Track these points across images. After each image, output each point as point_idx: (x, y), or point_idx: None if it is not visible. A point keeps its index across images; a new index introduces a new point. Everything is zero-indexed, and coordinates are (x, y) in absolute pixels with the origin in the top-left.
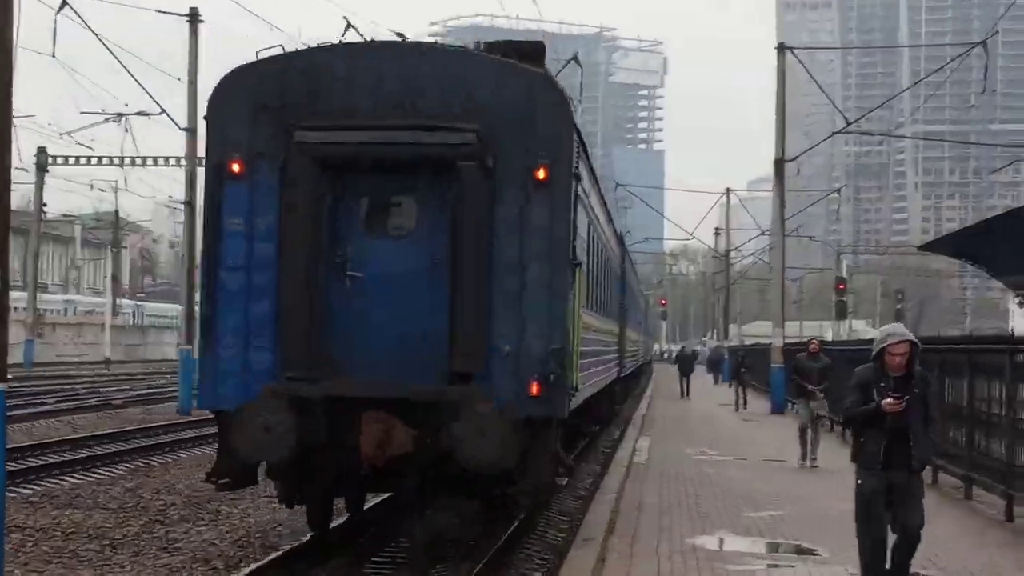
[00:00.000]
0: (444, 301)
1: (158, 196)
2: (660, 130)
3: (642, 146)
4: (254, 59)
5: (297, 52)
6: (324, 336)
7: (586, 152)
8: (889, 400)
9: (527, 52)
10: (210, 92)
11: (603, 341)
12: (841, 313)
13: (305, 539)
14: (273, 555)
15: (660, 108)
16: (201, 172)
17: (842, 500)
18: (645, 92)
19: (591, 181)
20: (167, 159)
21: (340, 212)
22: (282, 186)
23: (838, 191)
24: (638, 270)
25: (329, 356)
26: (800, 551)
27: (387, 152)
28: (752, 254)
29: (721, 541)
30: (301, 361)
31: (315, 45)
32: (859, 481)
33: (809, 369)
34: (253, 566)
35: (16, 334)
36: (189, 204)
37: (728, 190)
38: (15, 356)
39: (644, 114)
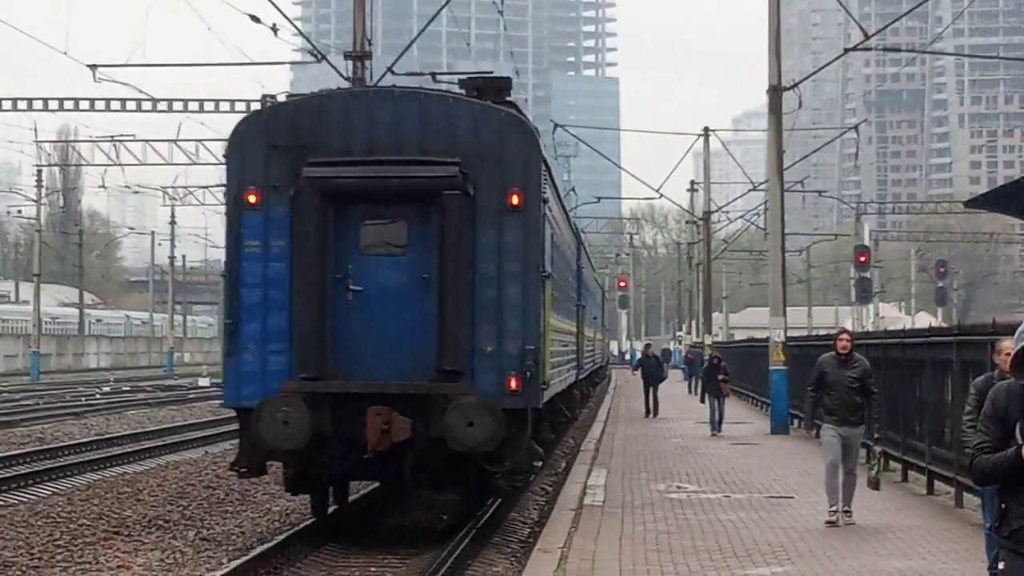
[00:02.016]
0: (433, 309)
1: None
2: (613, 50)
3: (589, 72)
4: (267, 105)
5: (303, 98)
6: (331, 341)
7: (551, 174)
8: None
9: (496, 85)
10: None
11: (564, 341)
12: (864, 294)
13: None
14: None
15: (613, 20)
16: None
17: (869, 554)
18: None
19: (555, 198)
20: None
21: (342, 235)
22: (292, 214)
23: (855, 129)
24: (590, 239)
25: (336, 358)
26: None
27: (382, 184)
28: (741, 216)
29: None
30: (312, 363)
31: (319, 92)
32: (1002, 568)
33: (838, 380)
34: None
35: None
36: None
37: (706, 130)
38: None
39: (591, 28)
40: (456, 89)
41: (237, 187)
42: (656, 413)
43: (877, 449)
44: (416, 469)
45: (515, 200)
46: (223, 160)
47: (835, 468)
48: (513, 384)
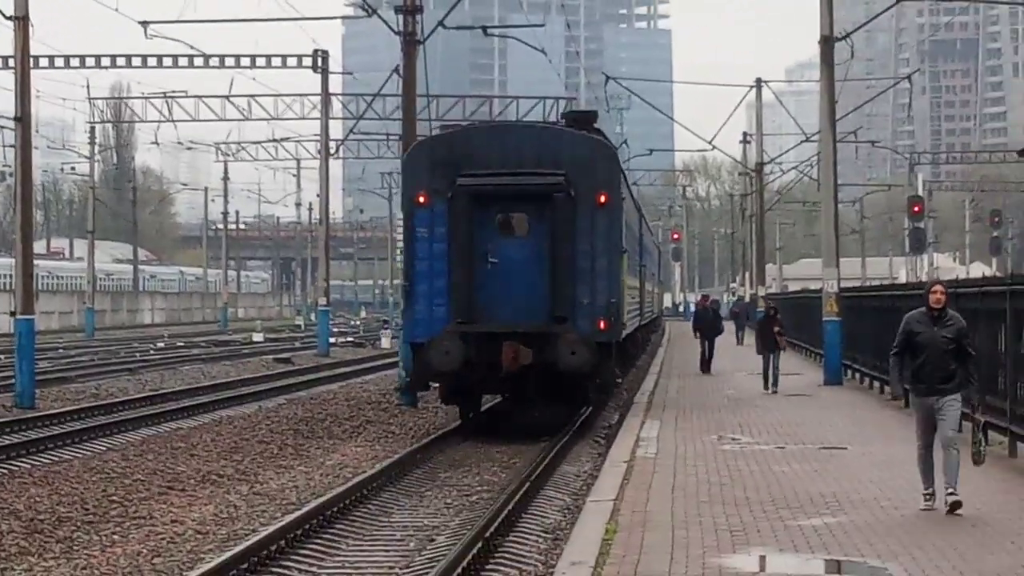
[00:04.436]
0: (547, 274)
1: None
2: (665, 2)
3: (641, 24)
4: (431, 135)
5: (457, 131)
6: (476, 297)
7: (626, 179)
8: None
9: (586, 117)
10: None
11: (632, 295)
12: (917, 244)
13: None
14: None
15: None
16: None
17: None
18: None
19: (628, 194)
20: None
21: (483, 224)
22: (449, 210)
23: (908, 79)
24: (642, 192)
25: (480, 308)
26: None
27: (511, 189)
28: (794, 167)
29: (762, 560)
30: (464, 312)
31: (466, 126)
32: None
33: (931, 342)
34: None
35: None
36: (21, 121)
37: (759, 82)
38: None
39: None
40: (507, 42)
41: (411, 191)
42: (710, 368)
43: (981, 420)
44: (536, 385)
45: (602, 199)
46: (276, 116)
47: (929, 450)
48: (602, 325)
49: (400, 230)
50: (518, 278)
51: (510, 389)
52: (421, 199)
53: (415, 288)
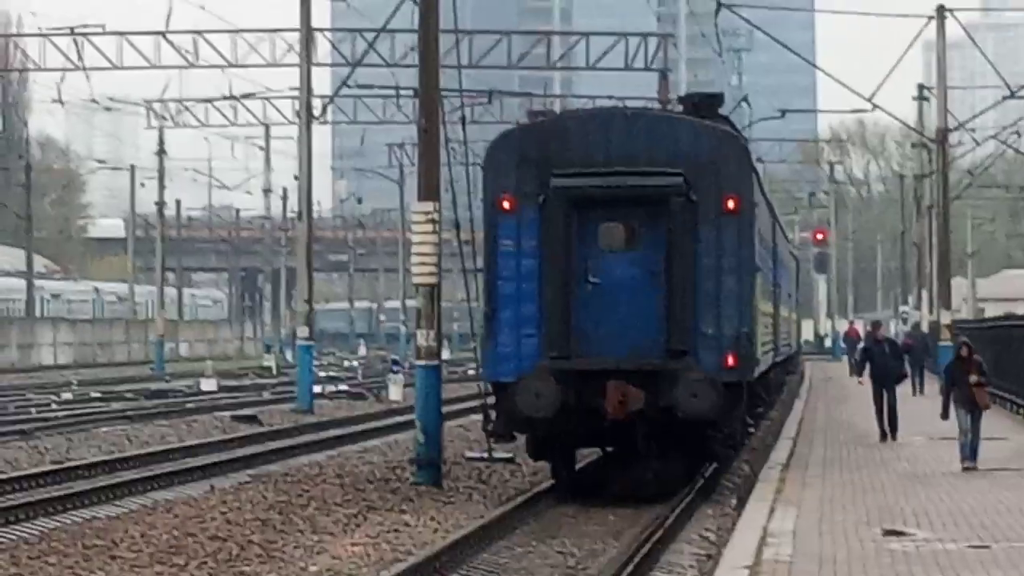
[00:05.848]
0: (661, 298)
1: None
2: None
3: None
4: (518, 125)
5: (549, 119)
6: (575, 326)
7: (760, 183)
8: None
9: (709, 102)
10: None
11: (765, 323)
12: None
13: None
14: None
15: None
16: None
17: None
18: None
19: (762, 197)
20: None
21: (583, 235)
22: (541, 217)
23: None
24: (771, 172)
25: (578, 340)
26: None
27: (618, 191)
28: (993, 136)
29: None
30: (559, 344)
31: (562, 113)
32: None
33: None
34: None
35: None
36: None
37: (942, 10)
38: None
39: None
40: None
41: (494, 194)
42: (894, 433)
43: None
44: (647, 436)
45: (731, 205)
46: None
47: None
48: (731, 361)
49: (419, 228)
50: (626, 302)
51: (615, 441)
52: (506, 204)
53: (499, 315)
